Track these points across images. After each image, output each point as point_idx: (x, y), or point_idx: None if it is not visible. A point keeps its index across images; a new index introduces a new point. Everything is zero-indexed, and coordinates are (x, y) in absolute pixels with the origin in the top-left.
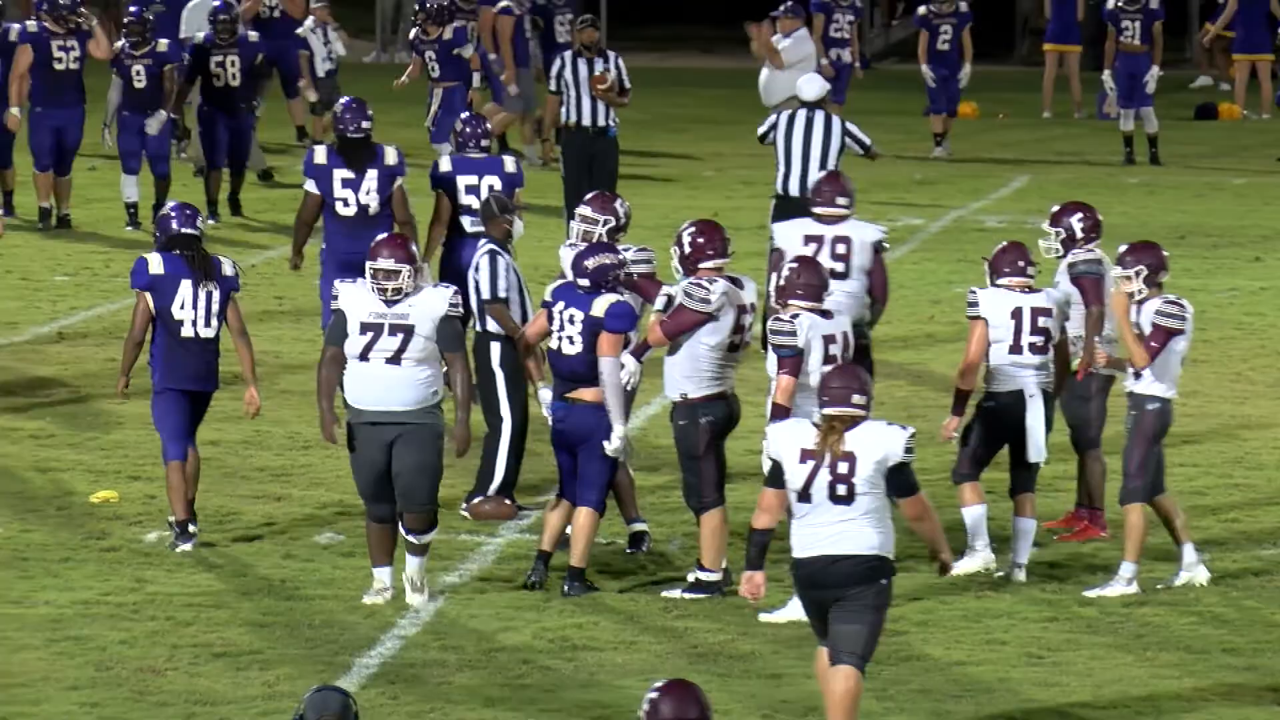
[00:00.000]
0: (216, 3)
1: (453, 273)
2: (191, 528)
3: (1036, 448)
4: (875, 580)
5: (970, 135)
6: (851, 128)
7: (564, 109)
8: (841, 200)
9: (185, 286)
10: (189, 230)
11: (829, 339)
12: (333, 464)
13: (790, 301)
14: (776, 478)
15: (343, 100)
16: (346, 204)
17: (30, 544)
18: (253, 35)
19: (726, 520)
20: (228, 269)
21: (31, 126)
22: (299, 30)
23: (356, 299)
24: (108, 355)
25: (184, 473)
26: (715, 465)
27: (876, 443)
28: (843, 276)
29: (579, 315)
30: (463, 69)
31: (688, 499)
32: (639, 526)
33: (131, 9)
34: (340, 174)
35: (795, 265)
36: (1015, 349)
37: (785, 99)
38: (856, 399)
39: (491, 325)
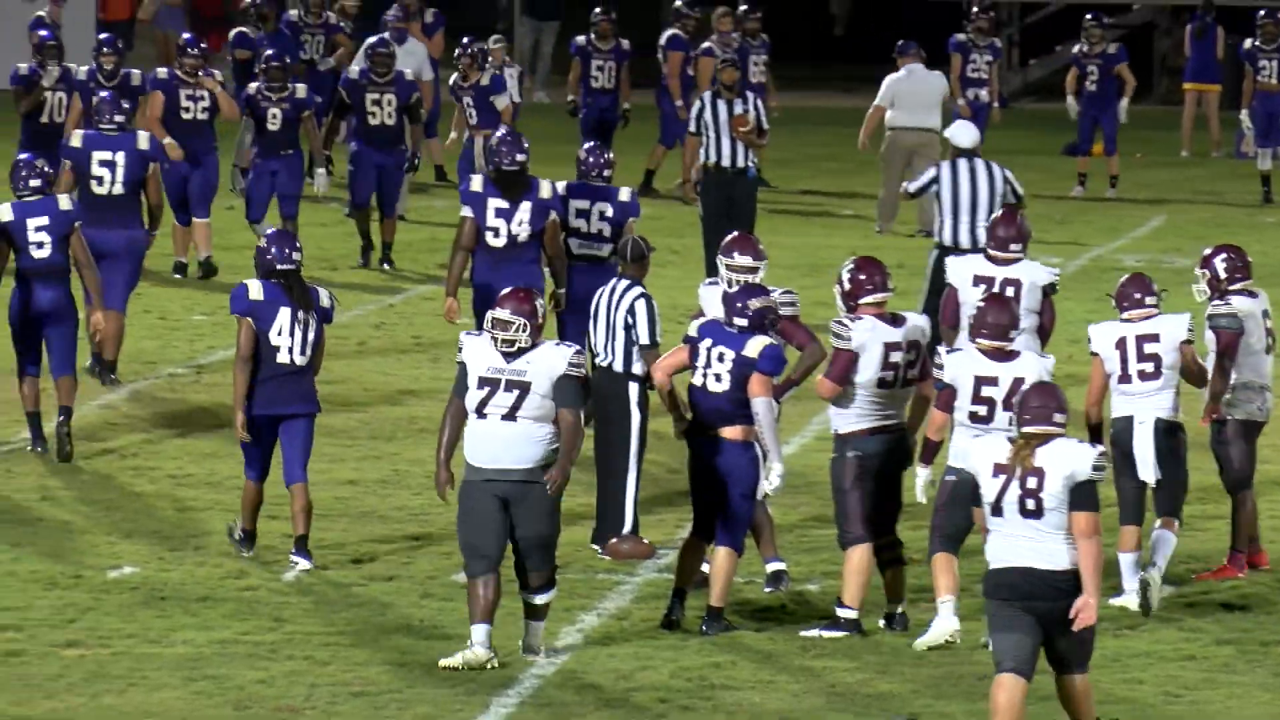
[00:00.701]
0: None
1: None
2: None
3: (1145, 469)
4: (1079, 593)
5: (1106, 174)
6: (1010, 176)
7: (703, 150)
8: (1015, 246)
9: (284, 314)
10: (285, 266)
11: (984, 380)
12: None
13: (977, 340)
14: (976, 497)
15: (499, 132)
16: (497, 234)
17: (168, 583)
18: (408, 73)
19: (871, 558)
20: (325, 300)
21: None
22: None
23: (477, 352)
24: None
25: (259, 493)
26: (860, 501)
27: (1066, 459)
28: None
29: (729, 354)
30: (497, 117)
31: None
32: (777, 565)
33: (270, 52)
34: (494, 204)
35: (984, 303)
36: (1124, 378)
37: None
38: (1058, 418)
39: (636, 367)
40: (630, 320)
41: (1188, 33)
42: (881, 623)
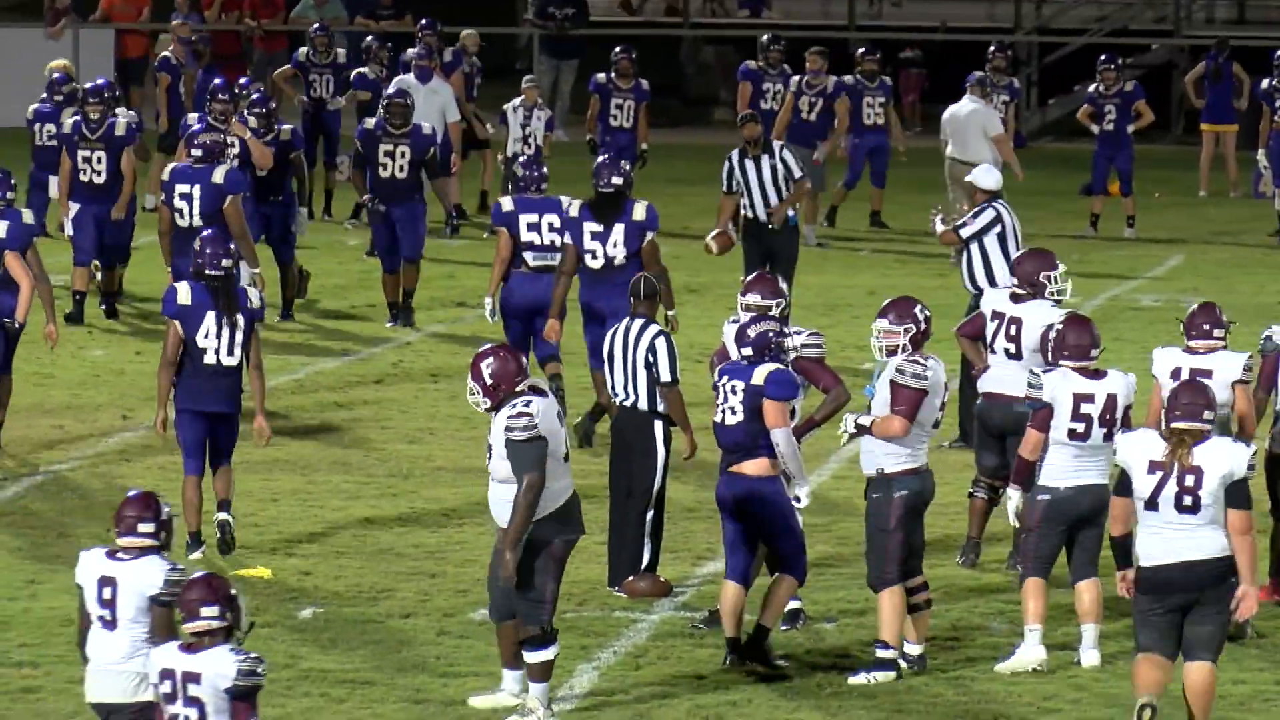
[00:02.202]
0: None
1: (512, 307)
2: (220, 522)
3: None
4: (1226, 579)
5: (1123, 214)
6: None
7: (743, 203)
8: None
9: (210, 317)
10: (214, 272)
11: (1082, 397)
12: (486, 540)
13: (1060, 362)
14: (1124, 487)
15: (601, 156)
16: (595, 256)
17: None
18: (426, 126)
19: (905, 599)
20: (254, 301)
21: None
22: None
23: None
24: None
25: (199, 488)
26: (902, 542)
27: (1224, 458)
28: None
29: (740, 385)
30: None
31: (869, 574)
32: (794, 604)
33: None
34: (590, 227)
35: (1063, 325)
36: None
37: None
38: (1207, 415)
39: (660, 404)
40: (651, 359)
41: (1194, 74)
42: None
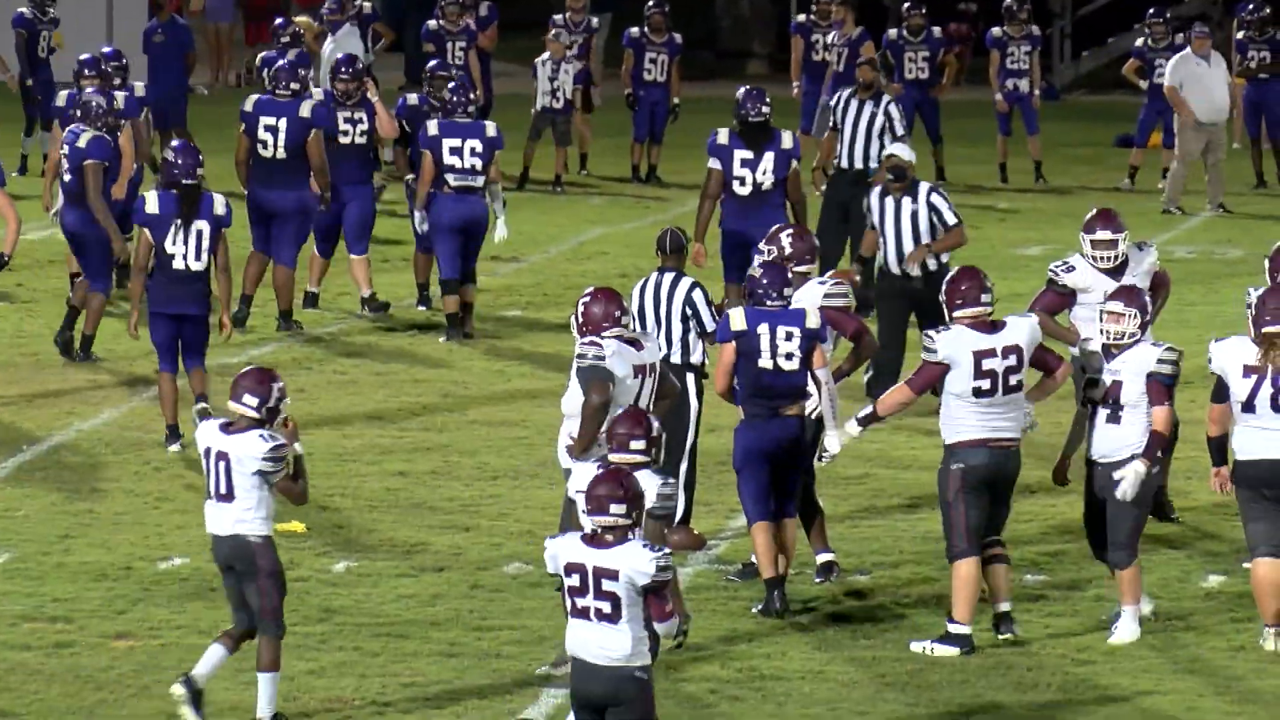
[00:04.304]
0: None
1: (443, 225)
2: (199, 409)
3: None
4: None
5: (1159, 166)
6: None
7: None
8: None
9: (178, 225)
10: (189, 181)
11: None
12: (520, 494)
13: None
14: (1221, 393)
15: (745, 88)
16: (743, 183)
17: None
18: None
19: (978, 570)
20: (219, 207)
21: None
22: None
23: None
24: (299, 386)
25: (174, 383)
26: (965, 513)
27: None
28: None
29: (796, 331)
30: None
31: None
32: (828, 556)
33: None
34: (740, 154)
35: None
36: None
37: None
38: None
39: (694, 356)
40: (690, 310)
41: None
42: (992, 628)
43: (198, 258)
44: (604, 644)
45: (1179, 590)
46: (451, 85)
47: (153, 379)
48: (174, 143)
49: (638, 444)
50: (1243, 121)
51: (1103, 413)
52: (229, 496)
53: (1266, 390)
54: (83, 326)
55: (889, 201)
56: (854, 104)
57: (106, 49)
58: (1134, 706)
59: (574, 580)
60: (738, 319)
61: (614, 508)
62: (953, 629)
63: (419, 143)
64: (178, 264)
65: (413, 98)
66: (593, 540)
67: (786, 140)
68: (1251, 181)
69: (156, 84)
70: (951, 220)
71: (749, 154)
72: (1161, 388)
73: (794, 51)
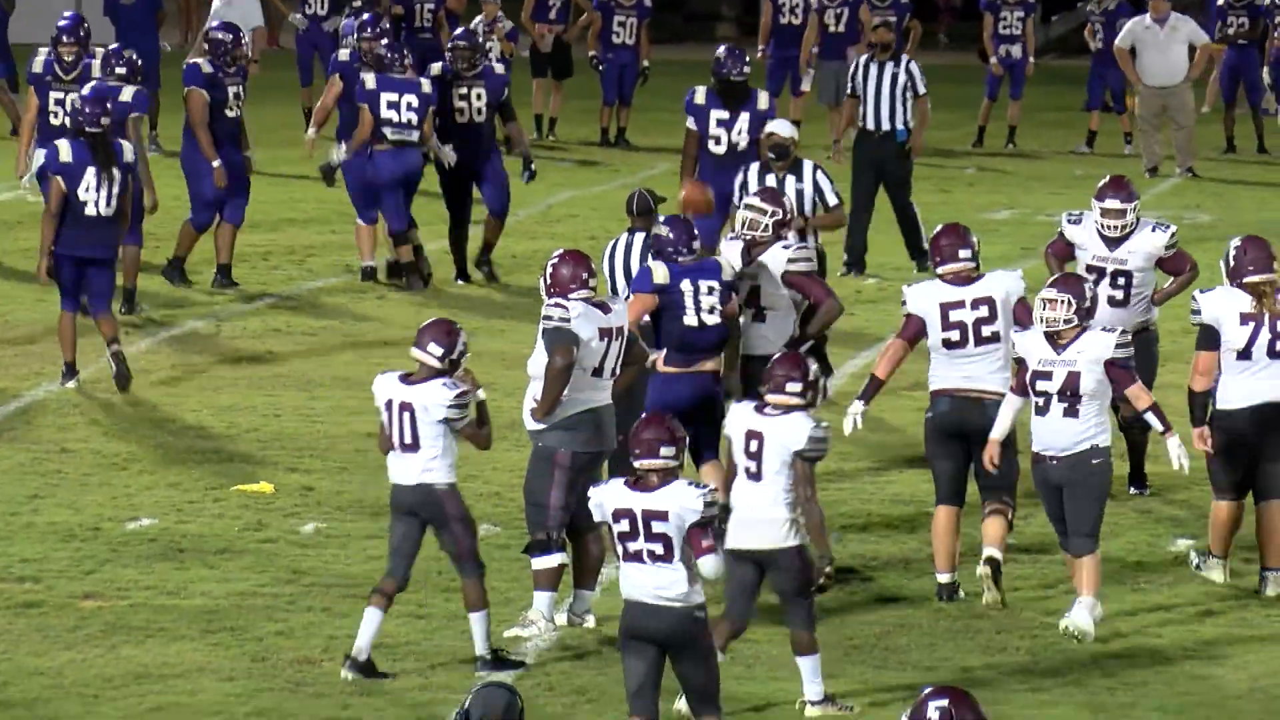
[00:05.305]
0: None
1: (383, 181)
2: (113, 352)
3: None
4: None
5: (1122, 131)
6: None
7: (860, 111)
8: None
9: (90, 172)
10: (94, 129)
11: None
12: (487, 457)
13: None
14: (1211, 342)
15: (725, 47)
16: (719, 142)
17: (186, 535)
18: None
19: (952, 521)
20: (128, 155)
21: (346, 172)
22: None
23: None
24: (269, 348)
25: (74, 323)
26: (934, 463)
27: None
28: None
29: (715, 285)
30: None
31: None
32: None
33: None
34: (716, 114)
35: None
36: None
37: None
38: (1276, 265)
39: None
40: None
41: None
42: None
43: (109, 204)
44: (659, 585)
45: (1148, 553)
46: (385, 41)
47: (123, 340)
48: (84, 91)
49: (794, 386)
50: (1218, 85)
51: (1058, 405)
52: (414, 446)
53: (1265, 336)
54: (123, 281)
55: (770, 180)
56: (873, 67)
57: (114, 45)
58: (1102, 670)
59: (623, 525)
60: (660, 272)
61: (664, 450)
62: (940, 579)
63: (355, 97)
64: (89, 210)
65: (344, 53)
66: (638, 484)
67: (763, 101)
68: (1221, 146)
69: (127, 45)
70: (832, 201)
71: (725, 114)
72: (1124, 371)
73: (763, 15)
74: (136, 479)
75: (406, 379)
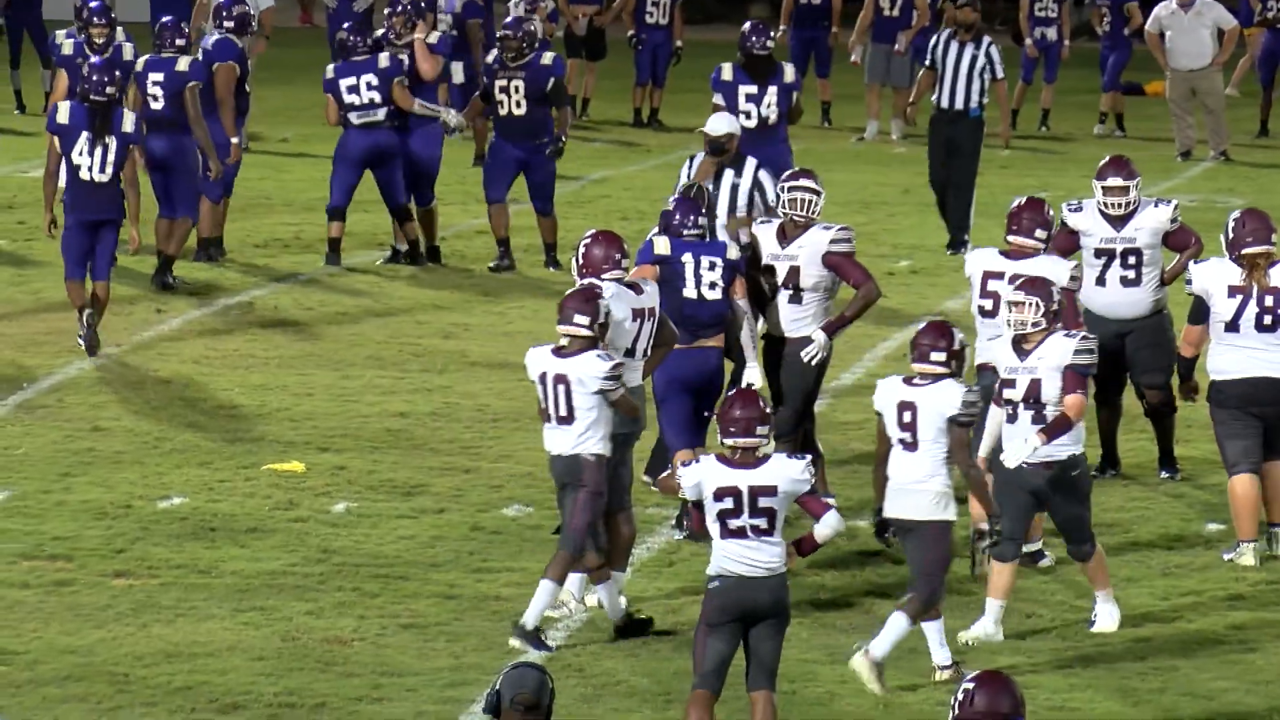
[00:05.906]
0: None
1: (354, 160)
2: (88, 316)
3: None
4: None
5: (1161, 114)
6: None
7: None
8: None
9: (85, 137)
10: (99, 98)
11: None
12: (521, 437)
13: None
14: (1200, 314)
15: (750, 22)
16: (749, 117)
17: (218, 514)
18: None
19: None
20: (128, 125)
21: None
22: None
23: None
24: (301, 328)
25: (82, 288)
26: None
27: None
28: None
29: (718, 261)
30: None
31: None
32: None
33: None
34: (744, 90)
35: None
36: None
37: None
38: (1275, 238)
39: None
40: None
41: None
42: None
43: (102, 170)
44: (763, 558)
45: (1178, 538)
46: (347, 26)
47: (152, 319)
48: (93, 59)
49: (939, 355)
50: (1248, 68)
51: (1026, 414)
52: (569, 418)
53: (1252, 310)
54: (170, 250)
55: (954, 44)
56: (954, 45)
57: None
58: (1132, 654)
59: (726, 503)
60: (661, 244)
61: (760, 430)
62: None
63: (323, 88)
64: (84, 174)
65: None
66: (739, 462)
67: (789, 74)
68: (1254, 130)
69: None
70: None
71: (753, 88)
72: (1077, 377)
73: None
74: (168, 457)
75: (559, 352)
